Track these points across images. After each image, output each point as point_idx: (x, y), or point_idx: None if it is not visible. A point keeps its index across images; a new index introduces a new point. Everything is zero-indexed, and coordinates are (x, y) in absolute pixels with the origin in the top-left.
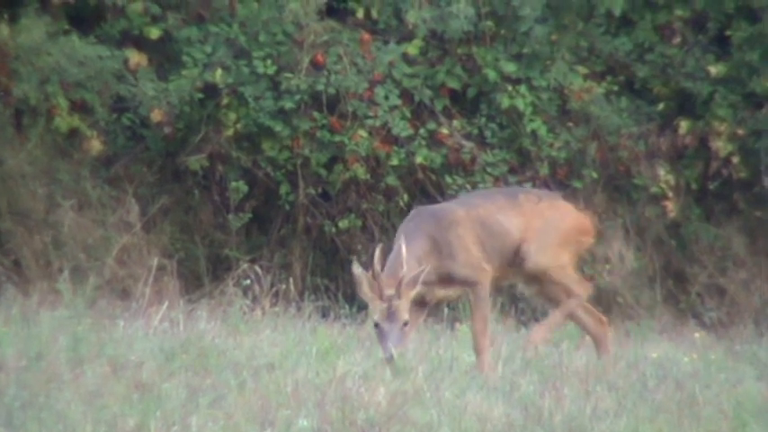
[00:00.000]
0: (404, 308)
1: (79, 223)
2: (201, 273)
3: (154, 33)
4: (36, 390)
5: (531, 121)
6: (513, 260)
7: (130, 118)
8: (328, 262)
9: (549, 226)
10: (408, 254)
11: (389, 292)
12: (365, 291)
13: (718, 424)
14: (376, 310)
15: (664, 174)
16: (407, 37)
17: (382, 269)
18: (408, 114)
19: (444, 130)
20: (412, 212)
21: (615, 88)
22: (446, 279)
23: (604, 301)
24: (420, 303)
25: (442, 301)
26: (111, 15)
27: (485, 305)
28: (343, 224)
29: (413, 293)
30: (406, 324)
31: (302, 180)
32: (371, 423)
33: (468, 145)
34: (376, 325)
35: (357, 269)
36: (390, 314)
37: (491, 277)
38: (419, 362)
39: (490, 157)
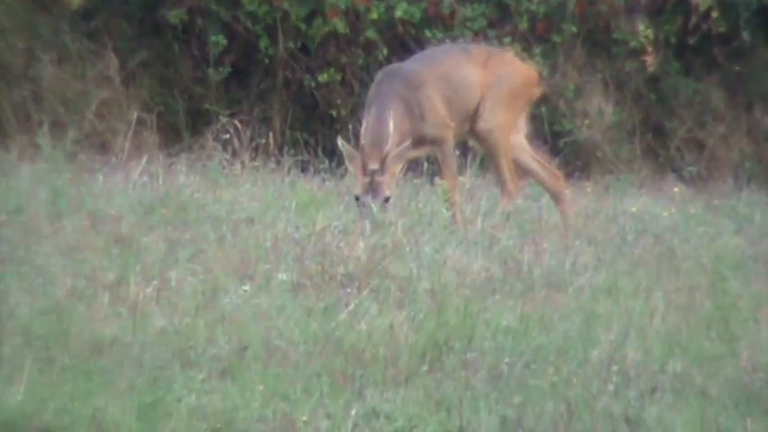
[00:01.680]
0: (387, 183)
1: (59, 77)
2: (181, 127)
3: None
4: (15, 243)
5: None
6: (472, 117)
7: None
8: (308, 116)
9: (501, 82)
10: (390, 123)
11: (373, 166)
12: (349, 165)
13: (696, 277)
14: (358, 183)
15: (643, 28)
16: None
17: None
18: None
19: None
20: (379, 74)
21: None
22: (417, 140)
23: (584, 155)
24: None
25: (410, 159)
26: None
27: (452, 161)
28: (322, 78)
29: (398, 169)
30: (387, 200)
31: (282, 34)
32: (351, 277)
33: None
34: (356, 198)
35: (342, 144)
36: (372, 189)
37: (454, 134)
38: (398, 216)
39: (469, 11)
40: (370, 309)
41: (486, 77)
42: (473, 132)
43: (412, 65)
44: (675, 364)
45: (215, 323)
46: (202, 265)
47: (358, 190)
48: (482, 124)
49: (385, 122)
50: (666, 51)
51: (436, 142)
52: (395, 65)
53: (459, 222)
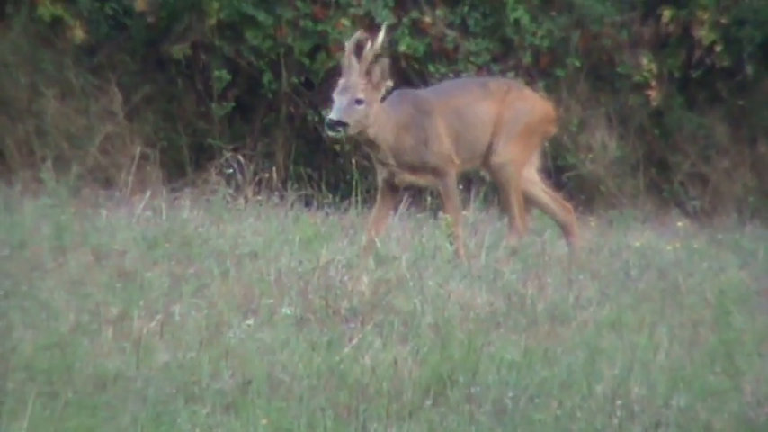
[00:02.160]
0: (359, 86)
1: (62, 112)
2: (184, 161)
3: None
4: (19, 278)
5: (514, 9)
6: (485, 152)
7: (113, 7)
8: (311, 150)
9: (518, 117)
10: (387, 113)
11: (355, 70)
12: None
13: (700, 312)
14: (336, 84)
15: (647, 62)
16: None
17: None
18: (391, 3)
19: (427, 19)
20: (394, 93)
21: None
22: (418, 165)
23: (587, 189)
24: (391, 188)
25: (410, 187)
26: None
27: (454, 195)
28: (326, 113)
29: (379, 81)
30: (359, 102)
31: (285, 69)
32: (354, 311)
33: (452, 34)
34: (333, 100)
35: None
36: (344, 88)
37: (458, 170)
38: (402, 250)
39: (473, 45)
40: (374, 343)
41: (502, 112)
42: (486, 165)
43: (426, 92)
44: (680, 398)
45: (219, 358)
46: (206, 299)
47: (334, 91)
48: (495, 158)
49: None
50: (670, 85)
51: (438, 174)
52: (409, 89)
53: (462, 256)
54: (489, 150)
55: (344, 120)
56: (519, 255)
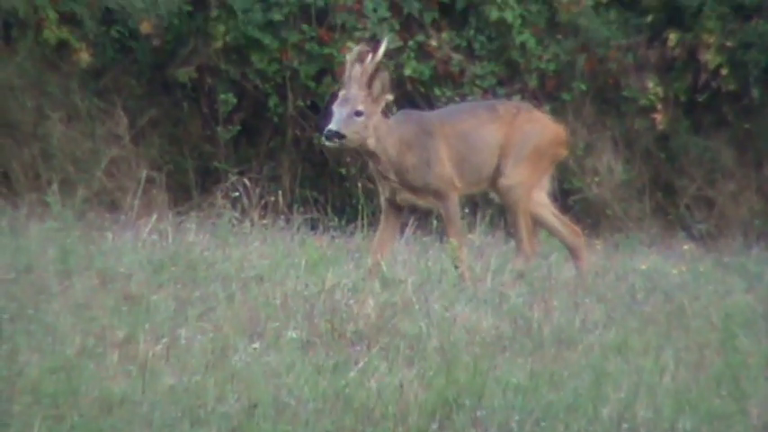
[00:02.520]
0: (359, 98)
1: (68, 135)
2: (190, 185)
3: None
4: (25, 302)
5: (520, 33)
6: (492, 175)
7: (119, 30)
8: (317, 174)
9: (527, 140)
10: (389, 127)
11: (355, 82)
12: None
13: (706, 335)
14: (336, 96)
15: (653, 86)
16: None
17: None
18: (397, 26)
19: (433, 43)
20: (399, 113)
21: (604, 0)
22: (419, 186)
23: (593, 213)
24: (395, 207)
25: (413, 207)
26: None
27: (457, 218)
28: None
29: (379, 94)
30: (358, 114)
31: (291, 92)
32: (360, 335)
33: (457, 57)
34: (332, 111)
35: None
36: (344, 100)
37: (462, 193)
38: (408, 274)
39: (479, 69)
40: (380, 367)
41: (511, 134)
42: (494, 187)
43: (431, 114)
44: (685, 422)
45: (224, 381)
46: (212, 323)
47: (334, 103)
48: (504, 180)
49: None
50: (676, 109)
51: (439, 196)
52: (414, 110)
53: (467, 279)
54: (497, 173)
55: (342, 131)
56: (525, 278)
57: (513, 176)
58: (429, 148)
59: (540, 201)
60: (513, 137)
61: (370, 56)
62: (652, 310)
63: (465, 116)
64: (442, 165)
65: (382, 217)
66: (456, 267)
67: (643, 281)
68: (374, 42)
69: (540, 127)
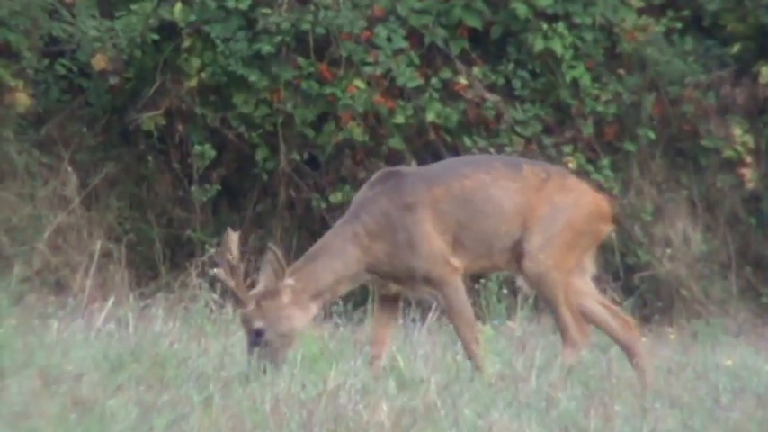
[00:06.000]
0: (256, 315)
1: (2, 198)
2: (157, 260)
3: None
4: None
5: (572, 67)
6: (509, 253)
7: (66, 65)
8: None
9: (558, 214)
10: (342, 237)
11: (250, 295)
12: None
13: None
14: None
15: (740, 133)
16: None
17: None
18: (417, 60)
19: (462, 80)
20: (376, 175)
21: (678, 26)
22: (402, 275)
23: (665, 294)
24: (388, 297)
25: (412, 296)
26: None
27: (461, 306)
28: (334, 198)
29: (311, 303)
30: (259, 334)
31: (284, 143)
32: None
33: (492, 98)
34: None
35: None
36: (243, 322)
37: (461, 273)
38: (431, 371)
39: (520, 113)
40: None
41: (537, 205)
42: (521, 272)
43: (418, 173)
44: None
45: None
46: None
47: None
48: (530, 265)
49: (332, 244)
50: None
51: (432, 283)
52: (399, 168)
53: (482, 369)
54: (517, 249)
55: (275, 362)
56: (578, 376)
57: (543, 260)
58: (408, 226)
59: (581, 288)
60: (540, 208)
61: (229, 249)
62: (740, 417)
63: (468, 171)
64: (429, 242)
65: (376, 301)
66: (491, 362)
67: (728, 380)
68: (392, 93)
69: (574, 198)
